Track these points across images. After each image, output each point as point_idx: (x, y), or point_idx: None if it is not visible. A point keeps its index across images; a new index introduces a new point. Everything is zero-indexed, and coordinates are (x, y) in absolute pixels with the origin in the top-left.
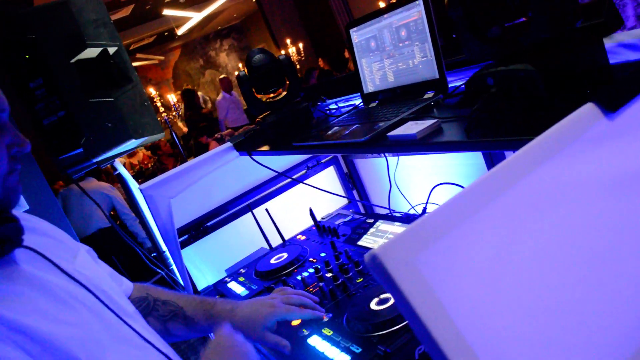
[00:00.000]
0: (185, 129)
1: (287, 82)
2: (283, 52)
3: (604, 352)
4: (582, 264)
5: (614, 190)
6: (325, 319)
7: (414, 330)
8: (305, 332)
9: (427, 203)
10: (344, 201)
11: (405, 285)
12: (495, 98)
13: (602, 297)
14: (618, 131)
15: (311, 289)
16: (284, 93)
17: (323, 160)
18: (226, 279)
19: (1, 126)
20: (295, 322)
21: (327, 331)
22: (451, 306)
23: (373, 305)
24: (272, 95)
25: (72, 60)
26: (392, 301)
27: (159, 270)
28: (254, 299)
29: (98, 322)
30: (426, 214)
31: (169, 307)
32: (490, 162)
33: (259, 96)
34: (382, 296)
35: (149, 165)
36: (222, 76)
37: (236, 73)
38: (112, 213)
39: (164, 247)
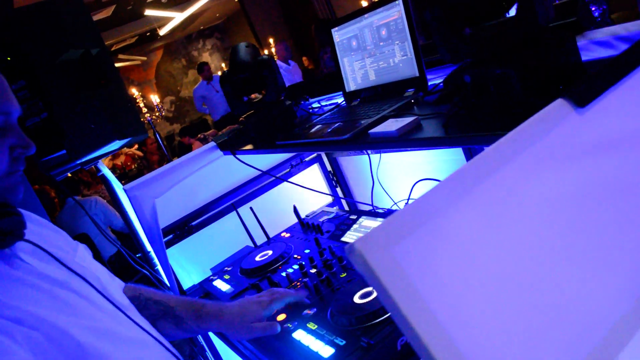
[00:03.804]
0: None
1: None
2: (266, 51)
3: (579, 335)
4: (554, 253)
5: (584, 181)
6: (310, 312)
7: (394, 320)
8: (290, 327)
9: (409, 199)
10: (328, 199)
11: (384, 276)
12: (473, 95)
13: (572, 284)
14: (588, 125)
15: (297, 285)
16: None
17: (306, 159)
18: (212, 277)
19: (8, 127)
20: (280, 317)
21: (311, 325)
22: (429, 295)
23: (356, 299)
24: (254, 95)
25: (55, 62)
26: (374, 295)
27: (144, 271)
28: (242, 299)
29: (95, 310)
30: (405, 206)
31: (159, 306)
32: (470, 158)
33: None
34: (365, 290)
35: (132, 166)
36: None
37: (219, 73)
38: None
39: (148, 248)
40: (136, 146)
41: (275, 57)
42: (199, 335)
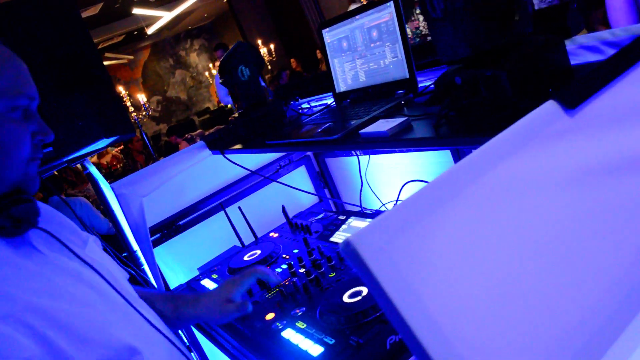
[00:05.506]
0: None
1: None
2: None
3: (567, 330)
4: (543, 252)
5: (573, 181)
6: (299, 312)
7: (387, 315)
8: (280, 326)
9: (397, 200)
10: (316, 200)
11: (378, 271)
12: (463, 96)
13: (562, 281)
14: (577, 126)
15: (285, 284)
16: None
17: (295, 159)
18: (199, 276)
19: (30, 114)
20: (269, 316)
21: (300, 324)
22: (422, 290)
23: (345, 299)
24: None
25: (43, 58)
26: (364, 294)
27: (130, 270)
28: (217, 286)
29: (106, 303)
30: (399, 203)
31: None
32: (458, 160)
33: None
34: (354, 289)
35: (118, 166)
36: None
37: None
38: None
39: (135, 247)
40: (118, 149)
41: None
42: (185, 337)
